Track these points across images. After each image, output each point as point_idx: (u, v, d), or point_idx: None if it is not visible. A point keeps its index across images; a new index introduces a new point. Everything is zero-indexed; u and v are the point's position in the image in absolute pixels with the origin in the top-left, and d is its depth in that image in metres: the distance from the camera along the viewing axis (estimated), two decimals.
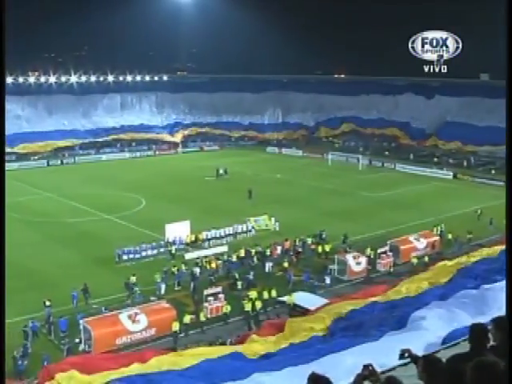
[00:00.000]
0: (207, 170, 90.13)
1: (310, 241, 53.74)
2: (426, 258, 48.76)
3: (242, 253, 50.32)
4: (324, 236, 54.96)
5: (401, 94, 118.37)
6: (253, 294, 41.01)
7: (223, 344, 30.97)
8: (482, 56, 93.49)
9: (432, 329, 16.33)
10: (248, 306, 39.22)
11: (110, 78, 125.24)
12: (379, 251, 49.96)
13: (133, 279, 43.82)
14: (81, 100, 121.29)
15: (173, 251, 52.16)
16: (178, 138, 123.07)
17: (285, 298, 40.70)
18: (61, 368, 21.84)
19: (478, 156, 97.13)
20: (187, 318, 37.50)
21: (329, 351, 16.99)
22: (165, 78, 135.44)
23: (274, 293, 41.55)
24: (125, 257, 50.80)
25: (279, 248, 51.62)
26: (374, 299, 27.28)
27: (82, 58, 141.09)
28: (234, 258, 49.49)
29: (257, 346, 23.87)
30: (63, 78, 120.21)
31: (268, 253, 50.62)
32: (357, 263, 47.80)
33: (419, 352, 7.65)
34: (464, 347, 7.16)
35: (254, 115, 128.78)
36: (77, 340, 35.45)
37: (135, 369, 21.08)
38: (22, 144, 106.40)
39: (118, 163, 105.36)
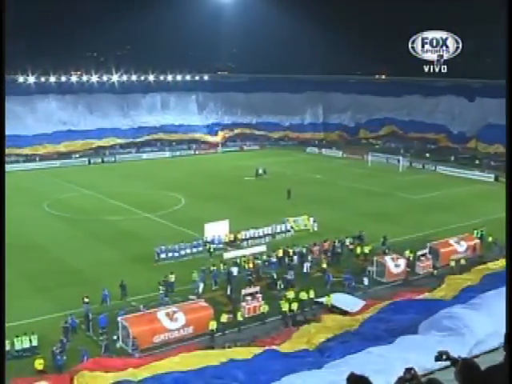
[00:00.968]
0: (246, 170, 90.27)
1: (348, 242, 53.45)
2: (465, 261, 48.16)
3: (281, 253, 50.21)
4: (363, 237, 54.56)
5: (441, 95, 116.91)
6: (290, 294, 40.93)
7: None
8: None
9: (470, 332, 16.10)
10: (285, 307, 39.12)
11: (151, 78, 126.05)
12: (418, 253, 49.45)
13: (171, 278, 43.97)
14: (122, 99, 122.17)
15: (211, 250, 52.27)
16: (217, 137, 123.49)
17: (323, 299, 40.55)
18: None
19: None
20: (224, 317, 37.51)
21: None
22: (205, 77, 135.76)
23: (311, 293, 41.39)
24: (163, 255, 50.98)
25: (318, 248, 51.37)
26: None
27: (123, 57, 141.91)
28: (273, 258, 49.38)
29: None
30: (105, 78, 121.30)
31: (306, 253, 50.44)
32: (396, 265, 47.37)
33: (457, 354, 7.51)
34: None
35: (294, 115, 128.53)
36: (114, 337, 35.71)
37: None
38: (64, 142, 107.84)
39: (158, 162, 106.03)
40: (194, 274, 44.67)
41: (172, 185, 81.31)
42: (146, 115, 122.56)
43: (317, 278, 46.28)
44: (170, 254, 51.20)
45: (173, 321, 36.23)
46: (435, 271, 47.71)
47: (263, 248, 52.83)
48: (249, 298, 40.77)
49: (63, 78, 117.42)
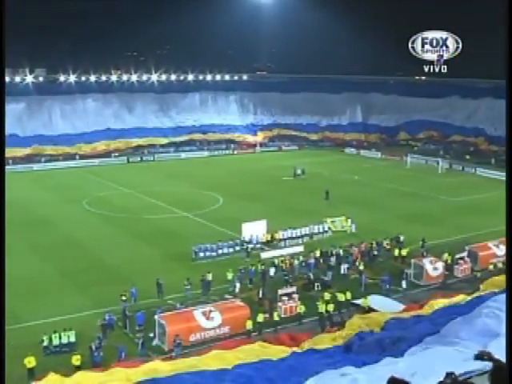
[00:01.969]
0: (285, 170, 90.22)
1: (386, 243, 53.10)
2: (502, 265, 47.51)
3: (318, 254, 50.04)
4: (401, 239, 54.15)
5: (481, 97, 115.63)
6: (327, 295, 40.79)
7: None
8: None
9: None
10: (322, 308, 38.99)
11: (191, 77, 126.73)
12: (457, 257, 48.94)
13: (209, 276, 44.08)
14: (161, 99, 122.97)
15: (248, 250, 52.32)
16: (256, 137, 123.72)
17: (359, 301, 40.34)
18: None
19: None
20: (261, 317, 37.48)
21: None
22: (244, 77, 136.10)
23: (348, 295, 41.19)
24: (201, 254, 51.12)
25: (355, 250, 51.09)
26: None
27: (163, 56, 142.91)
28: (310, 259, 49.21)
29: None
30: (144, 77, 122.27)
31: (344, 254, 50.22)
32: (434, 268, 46.92)
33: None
34: None
35: (332, 116, 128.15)
36: (151, 334, 35.89)
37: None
38: (104, 141, 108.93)
39: (197, 161, 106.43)
40: (228, 274, 44.69)
41: (210, 184, 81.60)
42: (185, 115, 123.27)
43: (354, 280, 46.01)
44: (208, 253, 51.33)
45: (209, 320, 36.28)
46: (478, 274, 47.13)
47: (300, 248, 52.67)
48: (285, 298, 40.74)
49: (103, 78, 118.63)
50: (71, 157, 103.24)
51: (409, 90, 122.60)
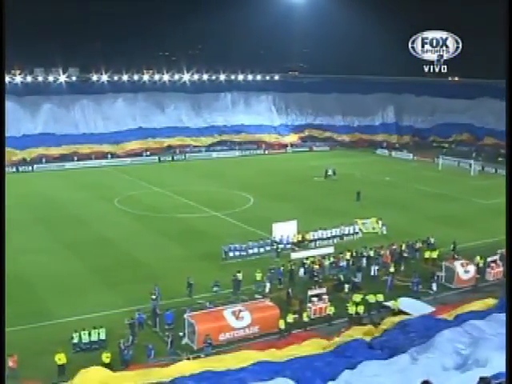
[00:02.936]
0: (316, 171, 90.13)
1: (417, 246, 52.76)
2: None
3: (348, 255, 49.83)
4: (432, 241, 53.78)
5: None
6: (357, 296, 40.65)
7: None
8: None
9: None
10: (352, 309, 38.89)
11: (222, 77, 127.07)
12: (489, 260, 48.36)
13: (239, 276, 44.14)
14: (193, 98, 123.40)
15: (279, 250, 52.29)
16: (287, 137, 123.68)
17: (389, 303, 40.15)
18: None
19: None
20: (290, 318, 37.42)
21: None
22: (276, 77, 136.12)
23: (380, 297, 40.99)
24: (231, 254, 51.16)
25: (386, 252, 50.82)
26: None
27: (195, 56, 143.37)
28: (340, 260, 49.04)
29: None
30: (176, 77, 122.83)
31: (374, 256, 49.99)
32: (465, 271, 46.45)
33: None
34: None
35: (365, 116, 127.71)
36: (180, 333, 36.01)
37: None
38: (135, 140, 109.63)
39: (228, 161, 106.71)
40: (257, 274, 44.68)
41: (241, 184, 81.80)
42: (216, 115, 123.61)
43: (384, 282, 45.77)
44: (238, 253, 51.35)
45: (239, 319, 36.28)
46: None
47: (331, 249, 52.45)
48: (315, 298, 40.67)
49: (135, 77, 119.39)
50: (103, 156, 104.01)
51: (441, 91, 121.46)
